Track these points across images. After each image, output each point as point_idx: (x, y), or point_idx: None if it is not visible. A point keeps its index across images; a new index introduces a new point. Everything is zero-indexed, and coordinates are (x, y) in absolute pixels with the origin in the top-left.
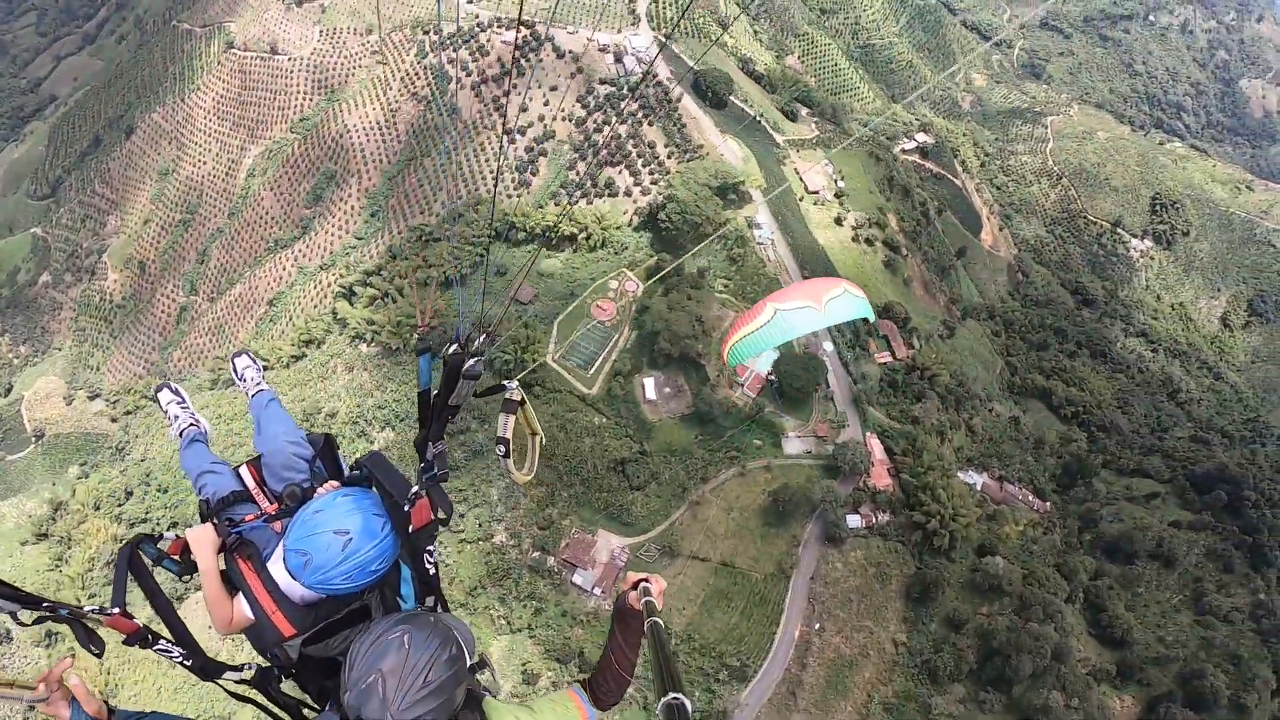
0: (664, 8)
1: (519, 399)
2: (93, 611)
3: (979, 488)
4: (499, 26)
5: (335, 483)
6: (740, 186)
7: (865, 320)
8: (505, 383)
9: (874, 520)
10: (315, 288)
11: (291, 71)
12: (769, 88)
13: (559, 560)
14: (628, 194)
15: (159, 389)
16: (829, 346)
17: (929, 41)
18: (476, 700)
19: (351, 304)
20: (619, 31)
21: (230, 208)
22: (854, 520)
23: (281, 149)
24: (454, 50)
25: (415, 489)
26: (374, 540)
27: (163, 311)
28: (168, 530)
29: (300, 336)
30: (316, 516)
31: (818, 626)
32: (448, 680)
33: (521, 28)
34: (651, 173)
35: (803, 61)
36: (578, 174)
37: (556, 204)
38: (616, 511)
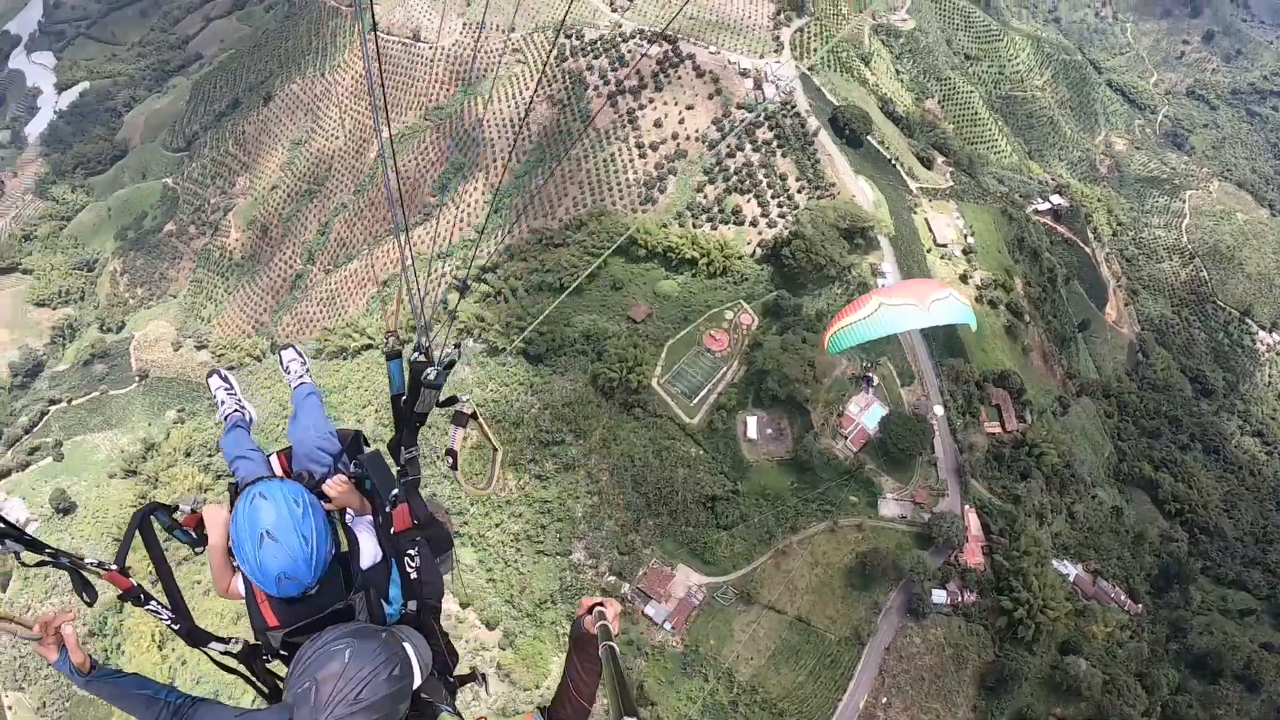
0: (809, 38)
1: (470, 412)
2: (92, 564)
3: (1072, 579)
4: (640, 38)
5: (343, 476)
6: (869, 231)
7: (979, 385)
8: (459, 395)
9: (960, 599)
10: (429, 276)
11: (431, 60)
12: (906, 130)
13: (634, 589)
14: (754, 224)
15: (209, 375)
16: (939, 410)
17: (1071, 99)
18: (434, 714)
19: (463, 297)
20: (761, 57)
21: (356, 185)
22: (939, 596)
23: (414, 135)
24: (594, 58)
25: (395, 492)
26: (290, 515)
27: (278, 275)
28: (184, 504)
29: (408, 321)
30: (242, 543)
31: (884, 700)
32: (383, 699)
33: (663, 42)
34: (780, 205)
35: (943, 106)
36: (705, 197)
37: (680, 224)
38: (700, 548)
